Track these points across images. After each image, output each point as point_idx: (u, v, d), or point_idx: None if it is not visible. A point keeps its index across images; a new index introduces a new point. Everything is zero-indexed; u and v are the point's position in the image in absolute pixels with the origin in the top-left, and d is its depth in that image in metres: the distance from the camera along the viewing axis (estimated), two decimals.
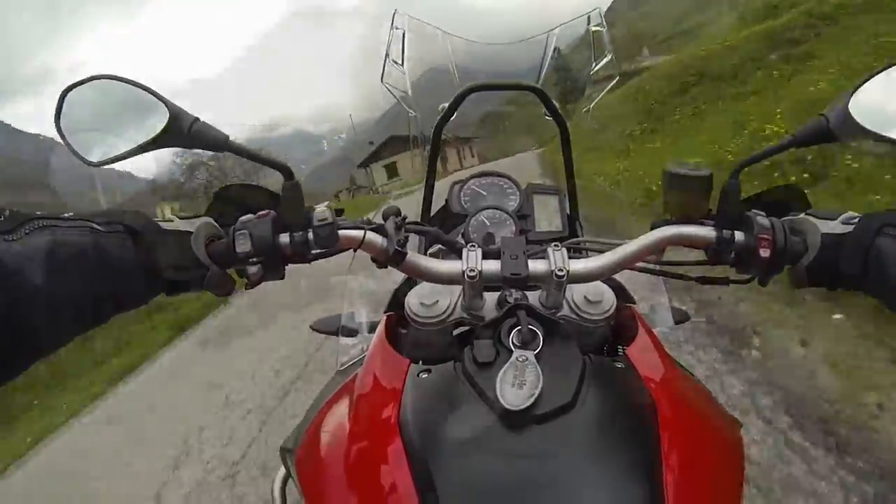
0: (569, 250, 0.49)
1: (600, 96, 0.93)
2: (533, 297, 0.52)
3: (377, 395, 0.48)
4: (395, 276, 0.65)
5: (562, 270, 0.46)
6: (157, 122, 0.40)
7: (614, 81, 0.93)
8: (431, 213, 0.85)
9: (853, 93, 0.43)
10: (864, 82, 0.43)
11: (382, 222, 0.48)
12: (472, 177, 0.90)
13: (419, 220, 0.62)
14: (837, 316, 2.01)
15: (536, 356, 0.41)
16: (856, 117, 0.42)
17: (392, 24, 0.83)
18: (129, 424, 3.53)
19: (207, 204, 0.49)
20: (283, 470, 0.68)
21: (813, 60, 5.83)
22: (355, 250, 0.47)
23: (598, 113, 0.94)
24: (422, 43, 0.86)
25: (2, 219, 0.34)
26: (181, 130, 0.41)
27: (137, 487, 2.44)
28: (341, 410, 0.50)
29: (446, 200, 0.88)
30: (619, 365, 0.47)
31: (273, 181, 0.49)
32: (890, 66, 0.42)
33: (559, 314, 0.51)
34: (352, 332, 0.80)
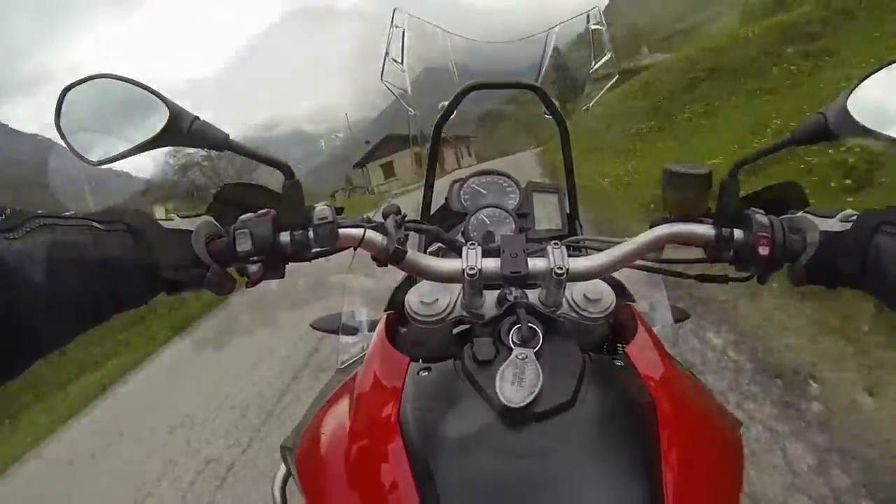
0: (568, 248, 0.49)
1: (600, 94, 0.94)
2: (532, 295, 0.52)
3: (377, 393, 0.48)
4: (396, 275, 0.65)
5: (561, 269, 0.46)
6: (157, 122, 0.40)
7: (614, 80, 0.94)
8: (431, 212, 0.85)
9: (852, 91, 0.42)
10: (863, 80, 0.43)
11: (382, 221, 0.48)
12: (472, 175, 0.90)
13: (419, 219, 0.62)
14: None
15: (536, 354, 0.41)
16: (854, 115, 0.42)
17: (392, 21, 0.83)
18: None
19: (202, 204, 0.49)
20: (283, 469, 0.68)
21: (833, 56, 5.60)
22: (355, 249, 0.47)
23: (600, 111, 0.94)
24: (421, 41, 0.86)
25: (2, 217, 0.34)
26: (181, 129, 0.41)
27: None
28: (341, 409, 0.50)
29: (446, 199, 0.88)
30: (618, 363, 0.47)
31: (272, 181, 0.49)
32: (888, 64, 0.42)
33: (559, 312, 0.51)
34: (352, 331, 0.80)
